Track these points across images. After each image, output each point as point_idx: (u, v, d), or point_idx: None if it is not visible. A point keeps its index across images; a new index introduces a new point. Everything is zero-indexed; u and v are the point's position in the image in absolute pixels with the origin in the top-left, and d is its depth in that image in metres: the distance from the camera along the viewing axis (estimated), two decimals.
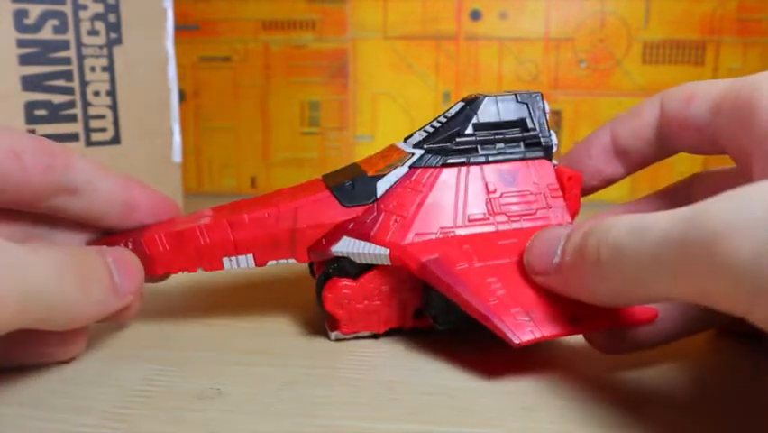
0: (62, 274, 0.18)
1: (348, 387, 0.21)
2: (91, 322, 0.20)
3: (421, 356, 0.23)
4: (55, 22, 0.32)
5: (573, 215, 0.25)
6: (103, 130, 0.34)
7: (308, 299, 0.28)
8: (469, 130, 0.24)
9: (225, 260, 0.24)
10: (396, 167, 0.24)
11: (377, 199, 0.24)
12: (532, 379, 0.22)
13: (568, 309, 0.21)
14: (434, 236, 0.23)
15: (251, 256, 0.24)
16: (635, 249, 0.17)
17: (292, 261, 0.24)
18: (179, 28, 0.42)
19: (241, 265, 0.24)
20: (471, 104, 0.25)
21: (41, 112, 0.32)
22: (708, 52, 0.49)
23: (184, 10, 0.51)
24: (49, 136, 0.32)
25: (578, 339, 0.23)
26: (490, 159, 0.24)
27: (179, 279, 0.26)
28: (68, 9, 0.32)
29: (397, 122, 0.51)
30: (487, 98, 0.25)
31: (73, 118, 0.33)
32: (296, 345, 0.24)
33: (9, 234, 0.22)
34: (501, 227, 0.24)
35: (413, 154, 0.24)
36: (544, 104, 0.25)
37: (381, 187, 0.24)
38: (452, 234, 0.23)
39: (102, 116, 0.34)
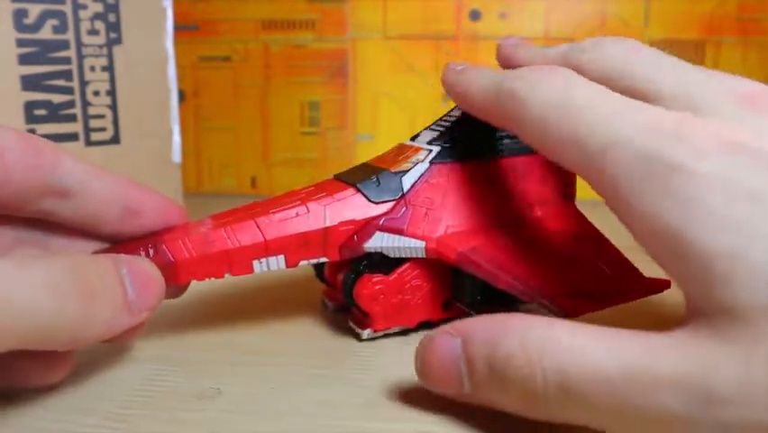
0: (56, 290, 0.16)
1: (348, 387, 0.21)
2: (97, 341, 0.18)
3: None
4: (55, 21, 0.32)
5: (571, 198, 0.27)
6: (102, 130, 0.34)
7: (309, 300, 0.28)
8: (481, 127, 0.24)
9: (256, 263, 0.23)
10: (417, 162, 0.24)
11: (403, 194, 0.24)
12: None
13: (598, 286, 0.22)
14: (464, 229, 0.24)
15: (282, 257, 0.23)
16: (578, 395, 0.16)
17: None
18: (179, 28, 0.42)
19: (271, 267, 0.23)
20: None
21: (40, 112, 0.32)
22: (707, 52, 0.49)
23: (184, 10, 0.51)
24: (48, 136, 0.32)
25: None
26: (504, 153, 0.25)
27: None
28: (67, 9, 0.32)
29: (397, 122, 0.51)
30: None
31: (73, 118, 0.33)
32: (296, 346, 0.24)
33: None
34: (522, 222, 0.25)
35: (430, 150, 0.24)
36: None
37: (406, 182, 0.24)
38: (480, 227, 0.24)
39: (102, 116, 0.34)
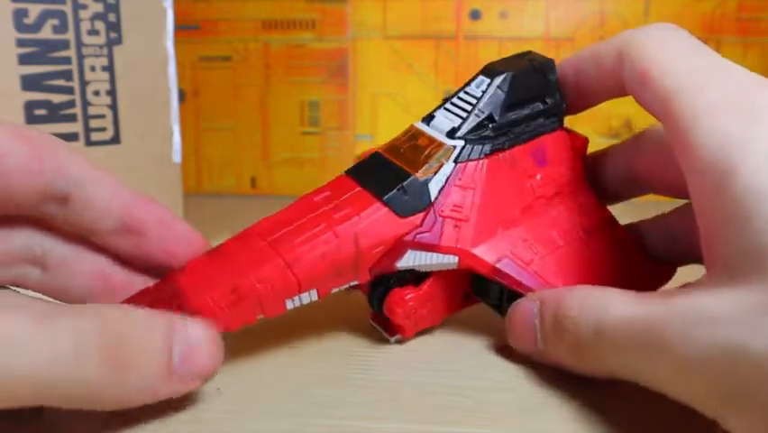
0: (80, 352, 0.15)
1: (349, 387, 0.21)
2: (119, 408, 0.17)
3: (422, 356, 0.23)
4: (55, 21, 0.32)
5: (581, 180, 0.25)
6: (102, 130, 0.34)
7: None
8: (501, 112, 0.23)
9: (288, 302, 0.21)
10: (441, 163, 0.23)
11: (431, 203, 0.22)
12: (532, 379, 0.22)
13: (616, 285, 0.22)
14: (494, 234, 0.23)
15: (314, 291, 0.21)
16: (610, 340, 0.19)
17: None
18: (179, 28, 0.42)
19: (304, 302, 0.21)
20: (498, 82, 0.23)
21: (40, 111, 0.32)
22: None
23: (184, 9, 0.51)
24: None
25: None
26: (522, 139, 0.24)
27: None
28: (67, 9, 0.32)
29: (397, 121, 0.51)
30: (513, 74, 0.23)
31: (73, 118, 0.33)
32: (296, 345, 0.24)
33: (4, 248, 0.20)
34: (546, 212, 0.24)
35: (454, 147, 0.23)
36: (556, 72, 0.24)
37: (433, 189, 0.22)
38: (510, 227, 0.23)
39: (102, 116, 0.34)
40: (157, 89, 0.37)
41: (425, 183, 0.22)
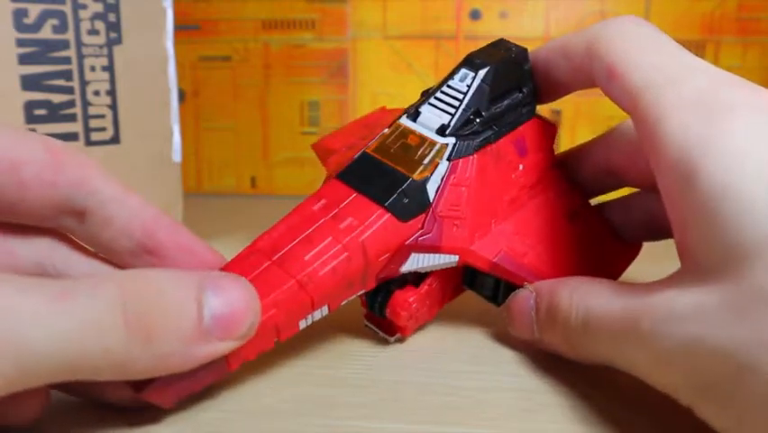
0: (102, 322, 0.15)
1: (349, 387, 0.21)
2: (150, 376, 0.16)
3: (422, 356, 0.23)
4: (55, 21, 0.32)
5: (555, 166, 0.26)
6: (102, 129, 0.34)
7: None
8: (487, 106, 0.23)
9: (302, 322, 0.20)
10: (435, 163, 0.22)
11: (430, 205, 0.22)
12: (532, 379, 0.22)
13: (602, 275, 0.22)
14: (488, 229, 0.24)
15: (326, 307, 0.21)
16: (597, 332, 0.19)
17: None
18: (179, 28, 0.42)
19: (316, 319, 0.21)
20: (482, 75, 0.23)
21: (40, 111, 0.32)
22: (707, 52, 0.49)
23: (184, 9, 0.51)
24: (48, 136, 0.32)
25: None
26: (504, 131, 0.24)
27: None
28: (67, 8, 0.32)
29: None
30: (495, 67, 0.23)
31: (73, 118, 0.33)
32: (297, 346, 0.24)
33: (15, 262, 0.19)
34: (530, 202, 0.25)
35: (446, 145, 0.23)
36: (530, 61, 0.25)
37: (431, 190, 0.22)
38: (501, 220, 0.24)
39: (101, 116, 0.34)
40: (157, 89, 0.37)
41: (423, 184, 0.22)
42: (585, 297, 0.20)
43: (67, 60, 0.33)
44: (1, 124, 0.18)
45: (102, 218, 0.19)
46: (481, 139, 0.23)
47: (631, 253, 0.27)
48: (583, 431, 0.19)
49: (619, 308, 0.19)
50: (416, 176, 0.22)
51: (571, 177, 0.27)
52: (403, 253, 0.22)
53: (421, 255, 0.22)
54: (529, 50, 0.25)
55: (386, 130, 0.24)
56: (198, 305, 0.16)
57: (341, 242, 0.21)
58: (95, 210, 0.19)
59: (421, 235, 0.22)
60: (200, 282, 0.17)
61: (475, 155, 0.23)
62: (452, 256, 0.23)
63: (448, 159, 0.23)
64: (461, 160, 0.23)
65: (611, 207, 0.27)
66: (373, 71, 0.51)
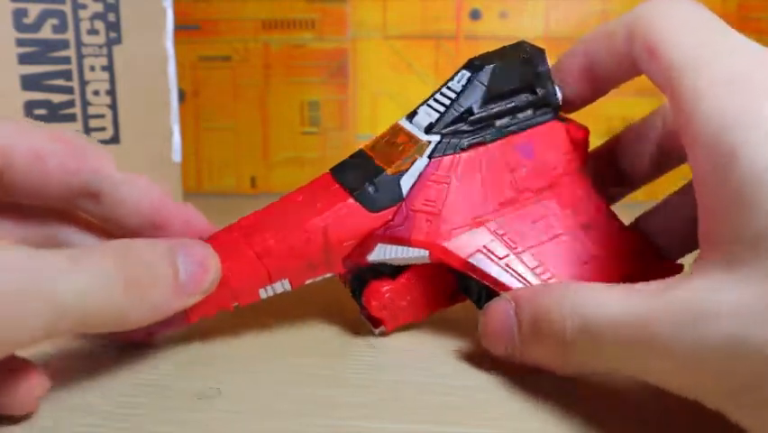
0: (108, 283, 0.17)
1: (349, 387, 0.21)
2: (146, 324, 0.19)
3: (422, 356, 0.23)
4: (54, 21, 0.32)
5: (579, 172, 0.25)
6: (102, 129, 0.34)
7: (310, 300, 0.28)
8: (481, 105, 0.23)
9: (261, 291, 0.23)
10: (414, 159, 0.23)
11: (403, 199, 0.23)
12: (532, 379, 0.22)
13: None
14: (468, 228, 0.23)
15: (286, 281, 0.23)
16: (599, 338, 0.18)
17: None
18: (179, 27, 0.42)
19: (277, 291, 0.23)
20: (479, 75, 0.23)
21: (40, 111, 0.32)
22: None
23: (184, 9, 0.51)
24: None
25: None
26: (505, 132, 0.24)
27: None
28: (67, 8, 0.32)
29: None
30: (494, 67, 0.23)
31: (72, 117, 0.33)
32: (297, 346, 0.24)
33: (30, 232, 0.22)
34: (531, 206, 0.24)
35: (429, 142, 0.23)
36: (547, 62, 0.24)
37: (405, 184, 0.23)
38: (486, 221, 0.23)
39: (101, 116, 0.34)
40: (157, 89, 0.37)
41: (398, 178, 0.23)
42: (579, 304, 0.18)
43: (66, 60, 0.33)
44: (26, 120, 0.21)
45: (115, 199, 0.21)
46: (473, 138, 0.23)
47: (671, 273, 0.22)
48: (583, 431, 0.19)
49: (625, 314, 0.17)
50: (391, 170, 0.23)
51: (610, 170, 0.25)
52: (369, 241, 0.23)
53: (389, 247, 0.23)
54: (570, 47, 0.24)
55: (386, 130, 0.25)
56: (174, 266, 0.19)
57: (302, 225, 0.22)
58: (109, 192, 0.21)
59: (390, 227, 0.23)
60: (172, 248, 0.19)
61: (462, 154, 0.23)
62: (422, 251, 0.23)
63: (429, 156, 0.23)
64: (444, 157, 0.23)
65: (648, 218, 0.25)
66: (373, 71, 0.51)
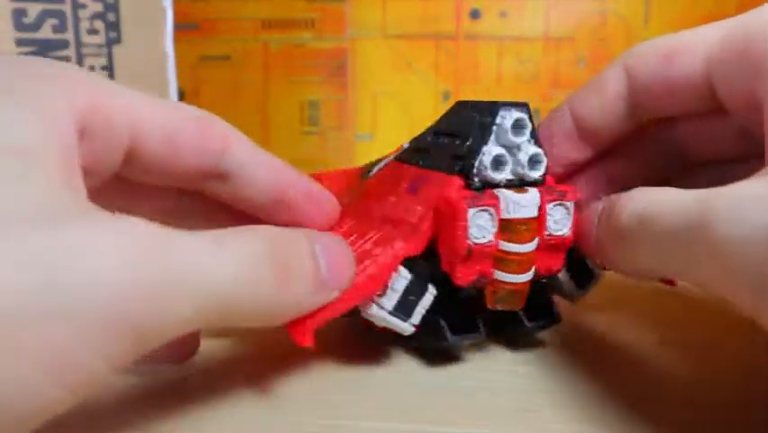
0: (256, 271, 0.16)
1: (350, 387, 0.21)
2: (289, 318, 0.18)
3: (421, 356, 0.23)
4: (54, 21, 0.32)
5: (421, 232, 0.21)
6: None
7: None
8: (427, 134, 0.24)
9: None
10: (387, 157, 0.26)
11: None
12: (532, 379, 0.22)
13: None
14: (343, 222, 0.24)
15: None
16: (652, 226, 0.17)
17: None
18: (179, 27, 0.42)
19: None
20: (452, 106, 0.23)
21: None
22: None
23: (183, 9, 0.51)
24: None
25: (577, 339, 0.23)
26: (416, 162, 0.23)
27: None
28: (67, 8, 0.32)
29: (397, 122, 0.51)
30: (457, 103, 0.23)
31: None
32: (297, 346, 0.24)
33: (157, 208, 0.21)
34: (372, 230, 0.22)
35: (402, 147, 0.25)
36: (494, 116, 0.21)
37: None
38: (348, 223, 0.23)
39: None
40: (156, 89, 0.37)
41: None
42: (645, 195, 0.18)
43: (66, 60, 0.32)
44: (151, 96, 0.19)
45: (243, 180, 0.21)
46: (398, 154, 0.25)
47: None
48: (583, 431, 0.19)
49: (686, 201, 0.16)
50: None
51: (682, 142, 0.24)
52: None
53: None
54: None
55: None
56: (315, 258, 0.18)
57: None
58: (236, 173, 0.21)
59: None
60: (309, 239, 0.19)
61: (389, 164, 0.25)
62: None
63: (395, 157, 0.25)
64: (390, 162, 0.25)
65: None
66: (373, 71, 0.51)
